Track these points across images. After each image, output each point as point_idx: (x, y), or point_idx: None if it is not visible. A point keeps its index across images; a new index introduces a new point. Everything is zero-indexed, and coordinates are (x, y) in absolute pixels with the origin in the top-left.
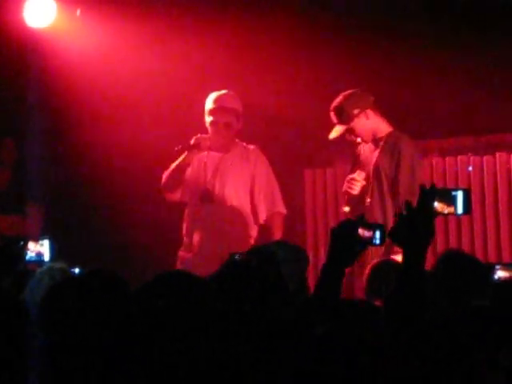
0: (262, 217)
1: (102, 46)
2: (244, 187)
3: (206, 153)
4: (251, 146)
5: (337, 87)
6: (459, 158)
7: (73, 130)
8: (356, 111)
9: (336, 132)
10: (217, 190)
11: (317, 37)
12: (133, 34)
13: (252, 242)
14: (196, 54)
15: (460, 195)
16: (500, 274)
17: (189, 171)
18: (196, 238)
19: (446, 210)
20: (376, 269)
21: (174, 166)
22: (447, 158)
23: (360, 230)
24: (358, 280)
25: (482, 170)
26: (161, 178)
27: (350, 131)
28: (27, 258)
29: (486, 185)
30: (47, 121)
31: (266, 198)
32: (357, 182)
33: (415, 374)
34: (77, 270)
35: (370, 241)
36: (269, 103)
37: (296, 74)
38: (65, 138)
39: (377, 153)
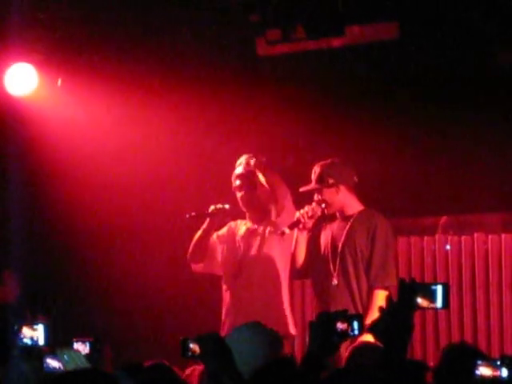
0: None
1: (83, 116)
2: (275, 263)
3: (235, 225)
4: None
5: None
6: (437, 236)
7: (53, 200)
8: (330, 181)
9: (306, 187)
10: (246, 265)
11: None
12: (114, 107)
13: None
14: (180, 128)
15: (439, 290)
16: (483, 371)
17: (223, 246)
18: (228, 317)
19: (426, 304)
20: (357, 351)
21: (195, 237)
22: (425, 237)
23: (337, 324)
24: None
25: (460, 249)
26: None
27: (319, 193)
28: (22, 343)
29: (463, 264)
30: (27, 191)
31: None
32: (306, 213)
33: None
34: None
35: (347, 332)
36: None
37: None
38: (45, 209)
39: (346, 230)
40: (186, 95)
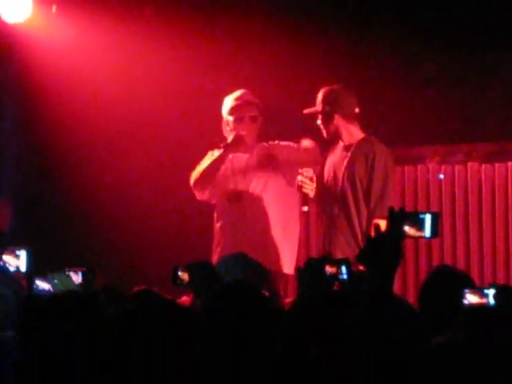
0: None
1: (78, 42)
2: (279, 201)
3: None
4: (271, 142)
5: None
6: (430, 165)
7: (45, 128)
8: (326, 108)
9: (309, 110)
10: (244, 190)
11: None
12: (109, 31)
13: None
14: (170, 58)
15: (428, 218)
16: (470, 298)
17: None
18: (226, 239)
19: (415, 233)
20: None
21: (209, 163)
22: (419, 166)
23: (326, 267)
24: None
25: (453, 178)
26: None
27: (317, 118)
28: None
29: (457, 193)
30: (22, 117)
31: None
32: (306, 183)
33: None
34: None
35: (337, 276)
36: None
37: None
38: (38, 136)
39: (346, 160)
40: (175, 26)
